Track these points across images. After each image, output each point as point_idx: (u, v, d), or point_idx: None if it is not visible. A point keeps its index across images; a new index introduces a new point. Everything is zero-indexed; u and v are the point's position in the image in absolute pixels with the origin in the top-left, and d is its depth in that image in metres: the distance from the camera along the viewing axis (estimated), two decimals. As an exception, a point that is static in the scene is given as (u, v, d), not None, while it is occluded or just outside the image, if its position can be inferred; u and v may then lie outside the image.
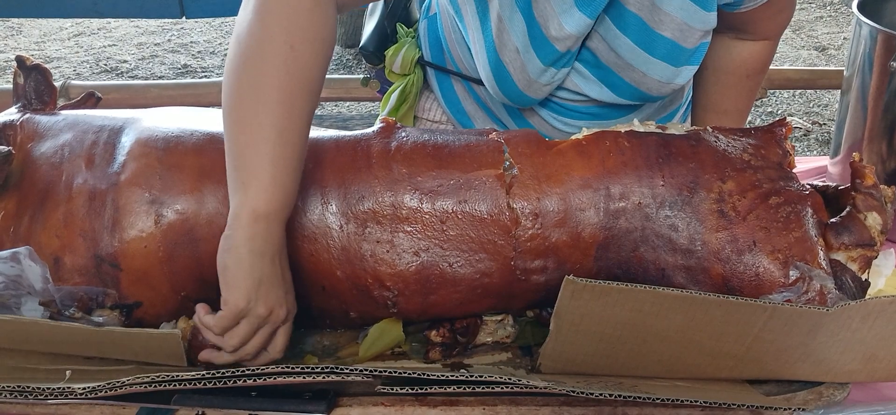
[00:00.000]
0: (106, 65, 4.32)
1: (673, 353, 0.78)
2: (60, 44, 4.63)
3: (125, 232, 0.79)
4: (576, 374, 0.81)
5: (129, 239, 0.79)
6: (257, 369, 0.72)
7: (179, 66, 4.30)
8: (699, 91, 1.22)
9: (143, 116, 0.87)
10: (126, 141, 0.83)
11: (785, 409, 0.78)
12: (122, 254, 0.79)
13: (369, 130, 0.87)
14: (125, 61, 4.37)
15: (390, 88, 1.27)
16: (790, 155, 0.85)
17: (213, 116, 0.88)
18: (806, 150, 3.33)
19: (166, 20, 4.82)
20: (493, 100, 1.16)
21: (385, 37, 1.27)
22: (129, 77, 4.17)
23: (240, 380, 0.72)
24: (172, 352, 0.76)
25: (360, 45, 1.28)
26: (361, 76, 1.36)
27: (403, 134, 0.86)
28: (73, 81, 1.63)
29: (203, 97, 1.70)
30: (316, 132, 0.87)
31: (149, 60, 4.39)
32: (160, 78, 4.15)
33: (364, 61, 1.31)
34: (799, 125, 3.50)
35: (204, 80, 1.47)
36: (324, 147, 0.84)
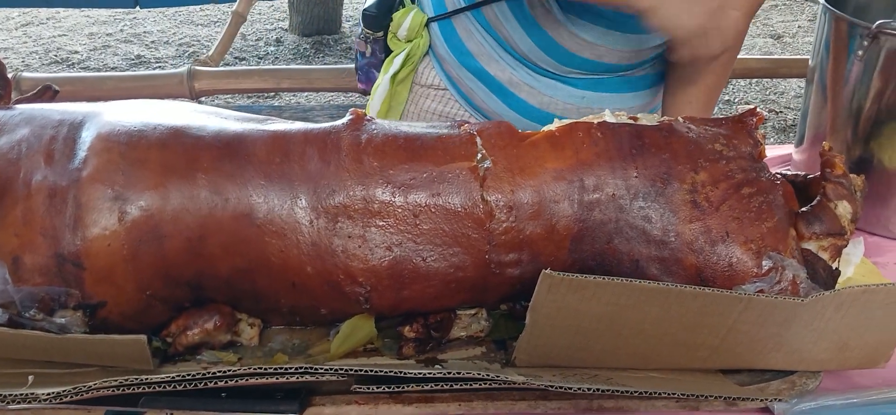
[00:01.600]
0: (56, 56, 4.23)
1: (648, 345, 0.77)
2: (7, 34, 4.52)
3: (88, 230, 0.76)
4: (551, 367, 0.80)
5: (92, 237, 0.76)
6: (228, 370, 0.70)
7: (132, 56, 4.22)
8: (667, 68, 1.23)
9: (104, 109, 0.85)
10: (87, 136, 0.80)
11: (759, 399, 0.78)
12: (86, 252, 0.76)
13: (339, 123, 0.85)
14: (76, 52, 4.28)
15: (393, 53, 1.27)
16: (761, 145, 0.85)
17: (176, 109, 0.86)
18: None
19: (118, 9, 4.73)
20: (505, 15, 1.16)
21: (391, 4, 1.27)
22: (80, 68, 4.08)
23: (211, 382, 0.70)
24: (139, 356, 0.74)
25: (364, 8, 1.28)
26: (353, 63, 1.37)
27: (373, 126, 0.84)
28: (24, 74, 1.58)
29: (160, 88, 1.65)
30: (283, 125, 0.85)
31: (101, 51, 4.30)
32: (113, 69, 4.07)
33: (362, 28, 1.31)
34: (755, 113, 3.54)
35: (162, 71, 1.43)
36: (292, 140, 0.82)
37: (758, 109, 0.89)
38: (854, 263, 0.87)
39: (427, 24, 1.28)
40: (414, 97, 1.34)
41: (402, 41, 1.28)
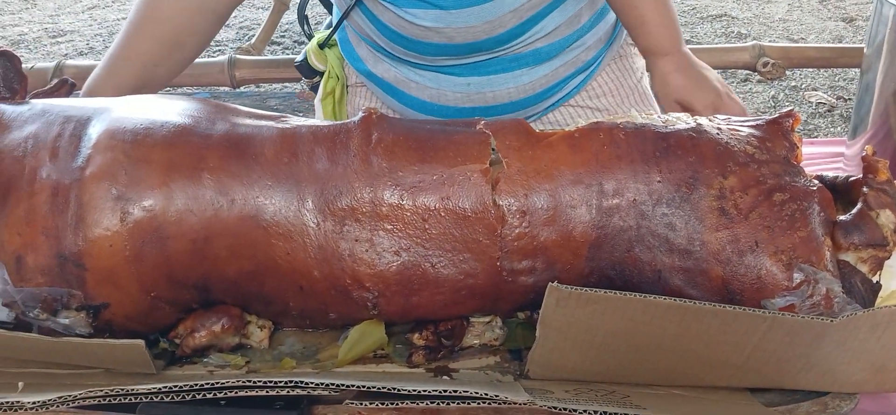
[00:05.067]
0: (119, 38, 4.29)
1: (668, 362, 0.73)
2: (74, 17, 4.61)
3: (89, 230, 0.75)
4: (565, 380, 0.77)
5: (94, 237, 0.75)
6: (217, 382, 0.68)
7: (193, 39, 4.26)
8: None
9: (115, 105, 0.83)
10: (93, 132, 0.78)
11: (787, 422, 0.73)
12: (87, 253, 0.75)
13: (350, 121, 0.82)
14: (139, 35, 4.33)
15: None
16: (797, 148, 0.79)
17: (188, 106, 0.84)
18: (830, 126, 3.24)
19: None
20: (362, 18, 1.20)
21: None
22: (142, 51, 4.13)
23: (198, 394, 0.68)
24: (139, 360, 0.73)
25: (296, 65, 1.39)
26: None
27: (385, 125, 0.81)
28: (69, 61, 1.59)
29: (201, 77, 1.65)
30: (295, 123, 0.83)
31: (162, 34, 4.35)
32: (174, 52, 4.11)
33: (302, 81, 1.42)
34: (823, 100, 3.41)
35: (202, 59, 1.42)
36: (301, 139, 0.80)
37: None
38: (899, 276, 0.80)
39: (322, 47, 1.34)
40: (350, 98, 1.38)
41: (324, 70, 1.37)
